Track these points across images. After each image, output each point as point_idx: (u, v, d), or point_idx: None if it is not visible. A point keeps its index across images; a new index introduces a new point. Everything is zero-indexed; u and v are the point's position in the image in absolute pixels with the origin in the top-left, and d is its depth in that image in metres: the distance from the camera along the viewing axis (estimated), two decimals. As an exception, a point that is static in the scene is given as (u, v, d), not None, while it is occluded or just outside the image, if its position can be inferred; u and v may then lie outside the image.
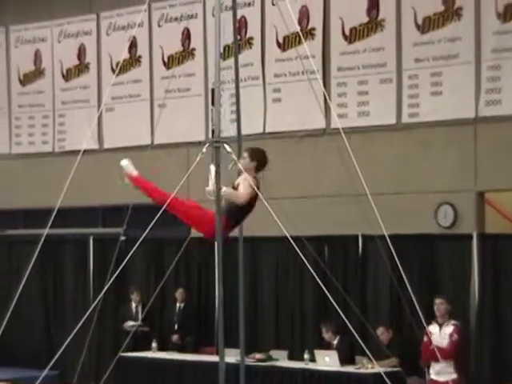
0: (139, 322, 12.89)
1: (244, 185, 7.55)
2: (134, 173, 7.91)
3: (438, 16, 11.69)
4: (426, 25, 11.76)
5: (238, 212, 7.65)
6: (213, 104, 8.24)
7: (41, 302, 15.37)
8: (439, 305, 10.40)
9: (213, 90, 8.26)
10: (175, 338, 13.34)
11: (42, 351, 14.42)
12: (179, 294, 13.49)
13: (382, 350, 10.68)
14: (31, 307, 15.01)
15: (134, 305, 13.67)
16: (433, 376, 10.36)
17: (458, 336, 10.30)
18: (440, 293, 11.32)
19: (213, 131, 8.06)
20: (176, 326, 13.44)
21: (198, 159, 7.85)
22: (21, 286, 9.00)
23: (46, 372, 9.05)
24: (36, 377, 9.44)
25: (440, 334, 10.32)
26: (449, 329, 10.33)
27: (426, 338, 10.28)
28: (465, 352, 10.55)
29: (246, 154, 7.81)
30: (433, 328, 10.35)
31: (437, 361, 10.11)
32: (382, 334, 11.32)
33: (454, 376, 10.22)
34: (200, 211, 7.71)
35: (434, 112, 11.70)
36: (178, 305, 13.54)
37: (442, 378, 10.27)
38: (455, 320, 10.47)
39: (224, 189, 7.51)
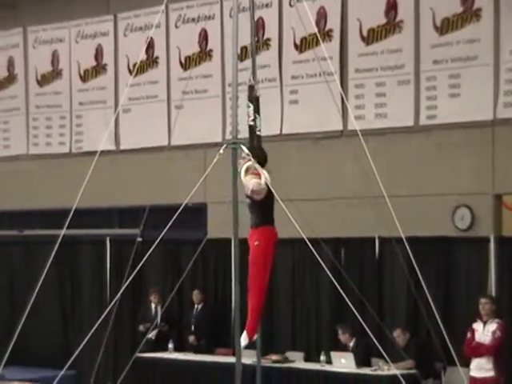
0: (153, 329, 12.86)
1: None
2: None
3: (457, 17, 11.64)
4: (445, 26, 11.70)
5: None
6: (249, 100, 8.20)
7: (58, 303, 15.41)
8: (484, 304, 10.51)
9: (251, 87, 8.22)
10: (192, 339, 13.35)
11: (59, 351, 14.47)
12: (195, 295, 13.51)
13: (398, 353, 10.65)
14: (48, 308, 15.05)
15: (153, 306, 13.69)
16: (472, 372, 10.41)
17: (501, 333, 10.37)
18: (456, 295, 11.36)
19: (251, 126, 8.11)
20: (193, 328, 13.45)
21: (215, 160, 7.87)
22: (38, 287, 9.04)
23: (63, 372, 9.11)
24: (53, 377, 9.50)
25: (483, 332, 10.43)
26: (492, 326, 10.43)
27: (469, 334, 10.45)
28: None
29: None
30: (477, 325, 10.50)
31: (477, 356, 10.30)
32: (399, 336, 11.29)
33: (492, 373, 10.30)
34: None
35: (452, 114, 11.65)
36: (195, 306, 13.55)
37: (479, 374, 10.34)
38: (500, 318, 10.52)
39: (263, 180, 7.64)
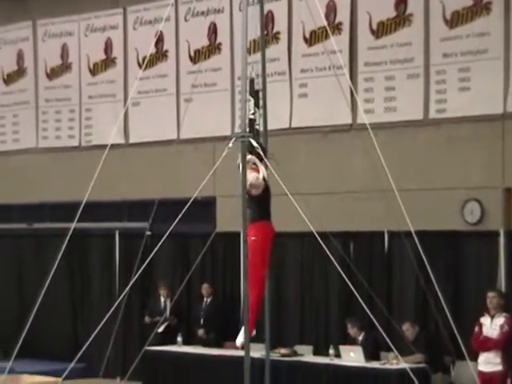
0: (162, 322, 12.88)
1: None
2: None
3: (467, 10, 11.60)
4: (455, 19, 11.66)
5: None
6: (250, 94, 8.19)
7: (67, 296, 15.45)
8: (492, 298, 10.49)
9: (251, 80, 8.21)
10: (201, 332, 13.38)
11: (69, 344, 14.51)
12: (205, 289, 13.52)
13: (407, 346, 10.64)
14: (58, 301, 15.08)
15: (162, 299, 13.72)
16: (480, 366, 10.39)
17: (509, 327, 10.35)
18: (465, 289, 11.35)
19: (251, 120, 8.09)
20: (202, 321, 13.47)
21: (224, 154, 7.87)
22: (48, 280, 9.06)
23: (72, 365, 9.14)
24: (63, 370, 9.54)
25: (491, 326, 10.42)
26: (500, 320, 10.41)
27: (476, 329, 10.43)
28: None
29: None
30: (484, 319, 10.49)
31: (485, 350, 10.28)
32: (408, 330, 11.28)
33: (500, 368, 10.29)
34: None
35: (462, 108, 11.62)
36: (205, 299, 13.57)
37: (487, 369, 10.33)
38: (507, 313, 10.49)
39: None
